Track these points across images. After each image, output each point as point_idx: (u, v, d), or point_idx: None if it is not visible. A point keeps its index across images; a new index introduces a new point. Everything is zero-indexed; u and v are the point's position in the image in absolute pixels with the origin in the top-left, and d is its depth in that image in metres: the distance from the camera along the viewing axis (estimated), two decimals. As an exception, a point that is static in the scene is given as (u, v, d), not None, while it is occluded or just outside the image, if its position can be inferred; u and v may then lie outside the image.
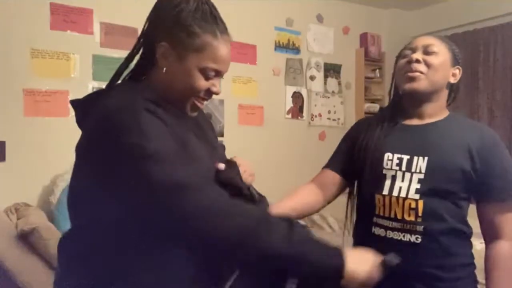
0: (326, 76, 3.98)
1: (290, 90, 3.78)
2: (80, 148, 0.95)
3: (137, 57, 1.03)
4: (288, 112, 3.77)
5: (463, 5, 3.82)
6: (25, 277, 2.06)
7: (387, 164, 1.21)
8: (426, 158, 1.18)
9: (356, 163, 1.29)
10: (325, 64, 3.97)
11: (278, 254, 0.84)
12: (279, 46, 3.72)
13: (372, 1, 4.09)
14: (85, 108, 0.98)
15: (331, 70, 4.01)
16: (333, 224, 3.34)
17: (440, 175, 1.17)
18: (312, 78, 3.90)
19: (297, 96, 3.81)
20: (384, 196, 1.20)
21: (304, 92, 3.85)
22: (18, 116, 2.62)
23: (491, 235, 1.21)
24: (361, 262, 0.91)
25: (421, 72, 1.20)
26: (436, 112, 1.26)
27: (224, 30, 0.98)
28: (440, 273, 1.18)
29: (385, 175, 1.21)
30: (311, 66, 3.89)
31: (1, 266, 2.08)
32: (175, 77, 0.97)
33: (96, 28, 2.89)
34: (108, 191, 0.88)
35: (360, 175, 1.29)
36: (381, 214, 1.20)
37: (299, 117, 3.82)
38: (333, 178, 1.35)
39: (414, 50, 1.24)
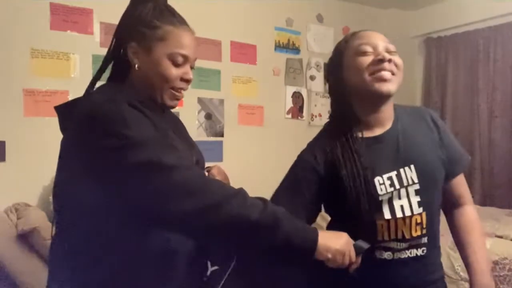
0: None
1: (290, 90, 3.78)
2: (64, 145, 0.99)
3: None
4: (288, 112, 3.77)
5: (463, 5, 3.82)
6: (25, 277, 2.07)
7: (381, 190, 1.09)
8: (412, 166, 1.12)
9: (334, 199, 1.14)
10: (325, 64, 3.96)
11: (250, 220, 0.87)
12: (279, 46, 3.72)
13: (372, 1, 4.08)
14: (66, 113, 1.02)
15: (331, 70, 4.00)
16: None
17: (431, 178, 1.14)
18: (312, 78, 3.90)
19: (297, 96, 3.81)
20: (388, 220, 1.10)
21: (304, 92, 3.85)
22: (18, 116, 2.62)
23: (454, 204, 1.26)
24: (333, 238, 0.96)
25: (393, 73, 1.10)
26: (390, 114, 1.17)
27: (183, 21, 1.07)
28: (438, 275, 1.21)
29: (381, 201, 1.10)
30: (311, 66, 3.89)
31: (1, 266, 2.08)
32: (148, 70, 1.03)
33: (96, 28, 2.89)
34: (93, 183, 0.91)
35: (346, 208, 1.12)
36: (386, 238, 1.11)
37: (299, 117, 3.82)
38: None
39: (375, 47, 1.11)
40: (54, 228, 1.03)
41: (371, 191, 1.09)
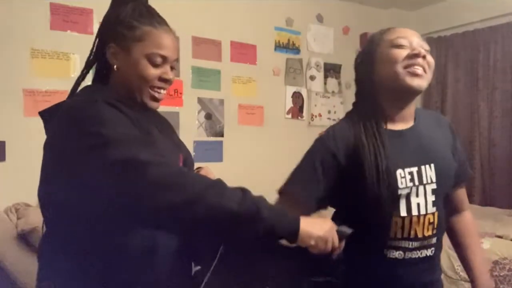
0: (326, 76, 3.97)
1: (290, 90, 3.78)
2: (46, 146, 1.01)
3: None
4: (288, 112, 3.77)
5: (463, 5, 3.82)
6: (25, 277, 2.06)
7: (401, 183, 1.07)
8: (432, 165, 1.12)
9: (352, 189, 1.10)
10: (325, 64, 3.96)
11: (229, 210, 0.86)
12: (279, 46, 3.72)
13: (372, 1, 4.09)
14: (50, 116, 1.05)
15: (331, 70, 4.00)
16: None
17: (446, 179, 1.16)
18: (312, 78, 3.90)
19: (297, 96, 3.81)
20: (403, 218, 1.08)
21: (304, 92, 3.85)
22: (18, 116, 2.62)
23: (453, 209, 1.30)
24: (315, 225, 0.95)
25: (425, 70, 1.10)
26: (413, 112, 1.18)
27: (162, 22, 1.07)
28: (441, 271, 1.25)
29: (399, 195, 1.08)
30: (311, 66, 3.89)
31: (1, 266, 2.08)
32: (127, 71, 1.04)
33: (96, 28, 2.87)
34: (73, 182, 0.92)
35: (364, 198, 1.08)
36: (398, 236, 1.09)
37: (299, 117, 3.82)
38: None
39: (411, 42, 1.11)
40: (43, 227, 1.04)
41: (392, 182, 1.06)
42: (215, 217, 0.87)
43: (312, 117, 3.88)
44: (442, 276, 2.45)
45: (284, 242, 0.95)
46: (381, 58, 1.13)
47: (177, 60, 1.10)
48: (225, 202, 0.87)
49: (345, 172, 1.10)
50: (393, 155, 1.08)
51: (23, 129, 2.61)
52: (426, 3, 4.07)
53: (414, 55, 1.08)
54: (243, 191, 0.91)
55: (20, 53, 2.65)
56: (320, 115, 3.92)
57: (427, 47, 1.12)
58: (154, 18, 1.06)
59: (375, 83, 1.14)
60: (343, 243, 1.00)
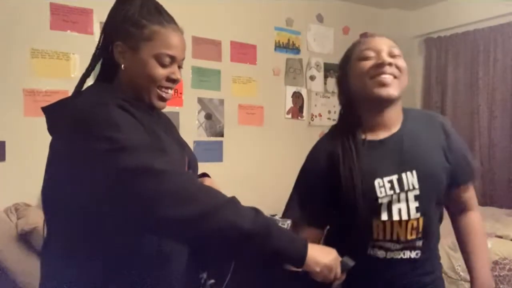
0: (326, 76, 3.97)
1: (290, 90, 3.78)
2: (53, 147, 0.98)
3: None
4: (288, 112, 3.77)
5: (463, 5, 3.82)
6: (25, 277, 2.07)
7: (380, 192, 1.10)
8: (414, 172, 1.12)
9: (337, 202, 1.14)
10: (325, 64, 3.96)
11: (241, 230, 0.86)
12: (279, 46, 3.72)
13: (372, 1, 4.08)
14: (55, 113, 1.01)
15: (331, 70, 4.00)
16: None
17: (432, 185, 1.15)
18: (312, 78, 3.90)
19: (297, 96, 3.81)
20: (384, 221, 1.11)
21: (304, 92, 3.85)
22: (18, 116, 2.62)
23: (459, 210, 1.29)
24: (322, 253, 0.97)
25: (395, 76, 1.10)
26: (397, 117, 1.17)
27: (171, 21, 1.05)
28: (433, 276, 1.22)
29: (380, 203, 1.10)
30: (311, 66, 3.89)
31: (1, 266, 2.08)
32: (134, 70, 1.02)
33: (96, 28, 2.89)
34: (83, 186, 0.90)
35: (344, 206, 1.14)
36: (381, 238, 1.12)
37: (299, 117, 3.82)
38: (317, 236, 1.21)
39: (378, 52, 1.12)
40: (45, 229, 1.02)
41: (369, 192, 1.09)
42: (226, 234, 0.86)
43: (312, 117, 3.88)
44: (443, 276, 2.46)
45: (290, 266, 0.95)
46: (352, 71, 1.16)
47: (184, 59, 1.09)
48: (238, 220, 0.86)
49: (329, 185, 1.15)
50: (372, 165, 1.11)
51: (23, 129, 2.61)
52: (426, 3, 4.07)
53: (378, 65, 1.09)
54: (256, 211, 0.91)
55: (20, 53, 2.65)
56: (320, 115, 3.92)
57: (397, 52, 1.13)
58: (163, 16, 1.03)
59: (351, 95, 1.17)
60: (344, 275, 1.02)
